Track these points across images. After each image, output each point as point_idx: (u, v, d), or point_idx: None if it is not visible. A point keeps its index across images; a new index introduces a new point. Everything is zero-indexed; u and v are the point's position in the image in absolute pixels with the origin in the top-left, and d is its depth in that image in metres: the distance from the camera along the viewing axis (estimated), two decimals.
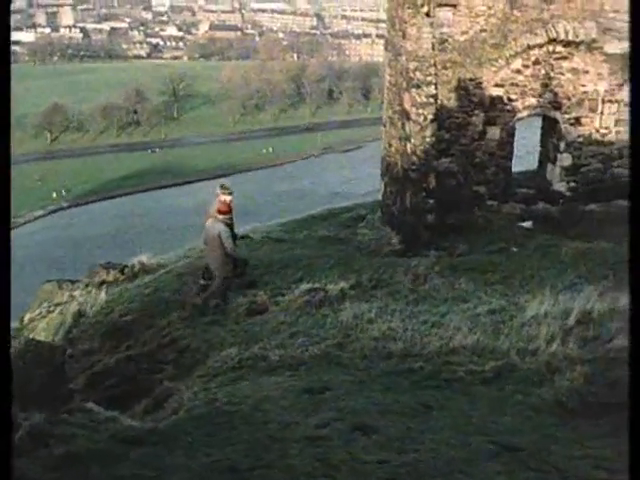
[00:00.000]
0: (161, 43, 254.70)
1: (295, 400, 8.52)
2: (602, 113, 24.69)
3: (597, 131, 24.87)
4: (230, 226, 16.11)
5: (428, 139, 22.34)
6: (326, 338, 11.49)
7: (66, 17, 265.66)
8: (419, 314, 12.44)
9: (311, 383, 9.28)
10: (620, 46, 23.96)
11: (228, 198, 16.03)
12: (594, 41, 23.96)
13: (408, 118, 22.59)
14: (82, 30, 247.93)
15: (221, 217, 15.79)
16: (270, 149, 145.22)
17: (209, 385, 10.14)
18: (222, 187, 16.50)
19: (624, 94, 24.63)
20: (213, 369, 11.04)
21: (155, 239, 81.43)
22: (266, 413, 8.02)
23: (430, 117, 22.34)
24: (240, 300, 15.37)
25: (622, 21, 24.13)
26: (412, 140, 22.37)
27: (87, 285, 21.19)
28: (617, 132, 24.99)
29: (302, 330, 12.35)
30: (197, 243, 26.62)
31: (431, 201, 22.59)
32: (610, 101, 24.60)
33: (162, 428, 7.64)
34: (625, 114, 24.89)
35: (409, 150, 22.54)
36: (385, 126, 26.67)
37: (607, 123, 24.81)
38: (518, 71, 24.05)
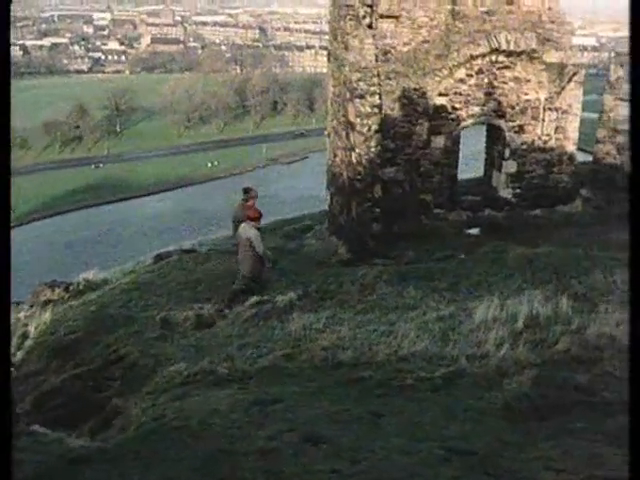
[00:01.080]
0: (103, 57, 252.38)
1: (245, 413, 8.43)
2: (543, 120, 25.12)
3: (539, 138, 25.27)
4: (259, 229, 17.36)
5: (373, 149, 22.44)
6: (275, 349, 11.42)
7: None
8: (368, 323, 12.44)
9: (261, 395, 9.21)
10: (557, 55, 24.44)
11: (252, 202, 17.97)
12: (534, 51, 24.37)
13: (353, 129, 22.67)
14: (22, 47, 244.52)
15: (252, 223, 16.95)
16: (215, 162, 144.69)
17: (157, 401, 10.01)
18: (246, 192, 18.25)
19: (562, 102, 25.08)
20: (161, 385, 10.90)
21: (101, 255, 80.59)
22: (216, 427, 7.93)
23: (375, 127, 22.43)
24: (187, 314, 15.27)
25: (558, 32, 24.62)
26: (357, 150, 22.45)
27: (32, 305, 20.83)
28: (557, 139, 25.43)
29: (250, 342, 12.27)
30: (143, 257, 26.42)
31: (377, 210, 22.69)
32: (550, 109, 25.02)
33: (111, 447, 7.52)
34: (564, 121, 25.36)
35: (354, 160, 22.62)
36: (330, 137, 26.75)
37: (548, 130, 25.24)
38: (462, 80, 24.33)
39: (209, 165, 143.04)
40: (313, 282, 17.06)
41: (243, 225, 17.13)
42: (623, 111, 26.90)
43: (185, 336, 14.02)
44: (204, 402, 9.19)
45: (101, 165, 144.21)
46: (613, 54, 28.66)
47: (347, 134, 23.41)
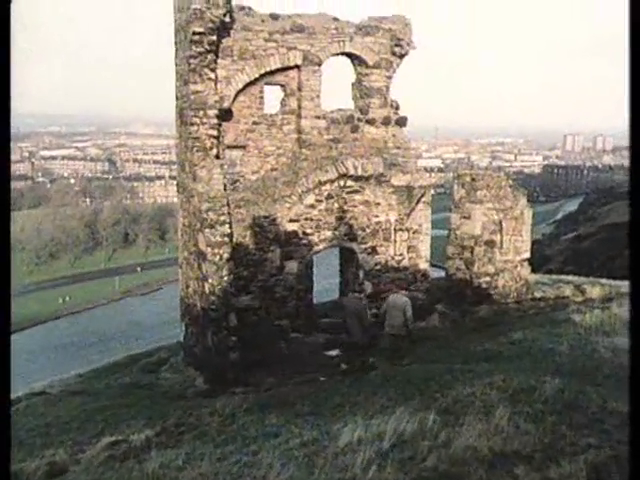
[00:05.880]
0: None
1: None
2: (395, 241, 25.77)
3: (392, 258, 25.86)
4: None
5: (225, 278, 22.33)
6: None
7: None
8: (230, 455, 12.03)
9: None
10: (404, 178, 25.32)
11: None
12: (382, 175, 25.17)
13: (204, 258, 22.54)
14: None
15: (403, 292, 21.55)
16: (67, 297, 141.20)
17: None
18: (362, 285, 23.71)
19: (413, 222, 25.88)
20: None
21: None
22: None
23: (226, 256, 22.39)
24: (38, 463, 14.41)
25: (404, 156, 25.61)
26: (209, 280, 22.28)
27: None
28: (410, 258, 26.07)
29: None
30: None
31: (233, 339, 22.44)
32: (401, 229, 25.76)
33: None
34: (415, 241, 26.11)
35: (207, 290, 22.41)
36: (182, 267, 26.53)
37: (401, 250, 25.89)
38: (312, 206, 24.76)
39: (61, 301, 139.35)
40: (171, 416, 16.52)
41: (394, 296, 21.25)
42: (468, 228, 27.86)
43: None
44: None
45: None
46: (456, 175, 29.90)
47: (199, 264, 23.25)
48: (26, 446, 16.50)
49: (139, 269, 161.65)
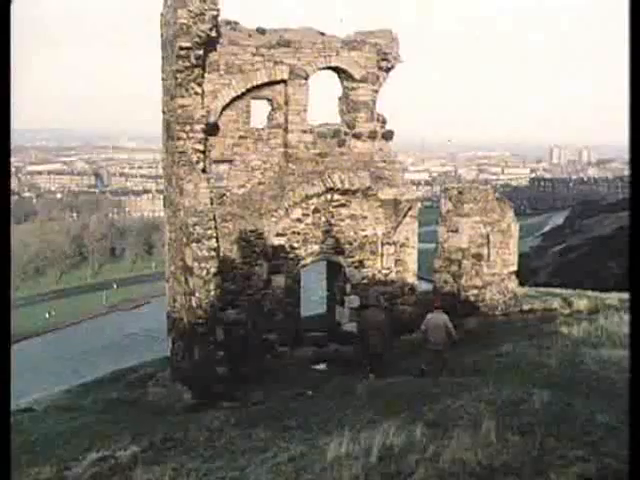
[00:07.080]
0: None
1: None
2: (382, 255, 25.74)
3: (380, 272, 25.83)
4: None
5: (212, 292, 22.27)
6: None
7: None
8: (217, 470, 11.96)
9: None
10: (391, 192, 25.33)
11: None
12: (368, 189, 25.17)
13: (191, 273, 22.48)
14: None
15: (440, 310, 21.19)
16: (53, 312, 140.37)
17: None
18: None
19: (400, 235, 25.90)
20: None
21: None
22: None
23: (213, 270, 22.33)
24: None
25: (390, 170, 25.63)
26: (196, 294, 22.21)
27: None
28: (397, 271, 26.05)
29: None
30: None
31: (221, 353, 22.36)
32: (388, 243, 25.76)
33: None
34: (402, 254, 26.13)
35: (194, 304, 22.34)
36: (168, 282, 26.43)
37: (388, 264, 25.87)
38: (299, 220, 24.76)
39: (47, 316, 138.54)
40: (157, 432, 16.41)
41: (433, 315, 21.08)
42: (455, 241, 27.90)
43: None
44: None
45: None
46: (443, 188, 30.02)
47: (186, 279, 23.17)
48: (11, 464, 16.33)
49: (115, 285, 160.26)
